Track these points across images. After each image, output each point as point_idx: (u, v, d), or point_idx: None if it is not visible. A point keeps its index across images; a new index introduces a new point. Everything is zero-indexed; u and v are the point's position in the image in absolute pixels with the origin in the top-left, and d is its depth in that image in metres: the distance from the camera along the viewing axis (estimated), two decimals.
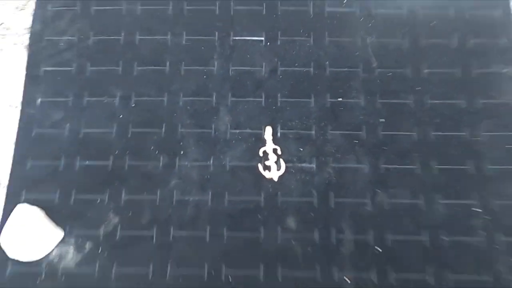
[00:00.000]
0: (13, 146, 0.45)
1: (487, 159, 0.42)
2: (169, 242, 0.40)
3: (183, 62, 0.46)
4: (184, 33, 0.47)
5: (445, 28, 0.47)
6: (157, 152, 0.43)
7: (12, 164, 0.44)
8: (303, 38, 0.47)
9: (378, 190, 0.41)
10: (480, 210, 0.40)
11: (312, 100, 0.44)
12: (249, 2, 0.48)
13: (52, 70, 0.46)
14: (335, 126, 0.44)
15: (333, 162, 0.42)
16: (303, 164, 0.43)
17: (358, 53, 0.46)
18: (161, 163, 0.43)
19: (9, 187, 0.43)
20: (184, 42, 0.47)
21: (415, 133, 0.43)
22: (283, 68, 0.45)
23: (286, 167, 0.43)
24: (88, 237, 0.41)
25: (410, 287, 0.39)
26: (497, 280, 0.39)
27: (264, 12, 0.47)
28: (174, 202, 0.42)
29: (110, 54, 0.47)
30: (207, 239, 0.40)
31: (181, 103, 0.45)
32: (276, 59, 0.46)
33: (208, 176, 0.42)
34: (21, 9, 0.54)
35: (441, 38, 0.46)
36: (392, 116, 0.44)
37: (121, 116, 0.44)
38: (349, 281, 0.39)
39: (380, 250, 0.39)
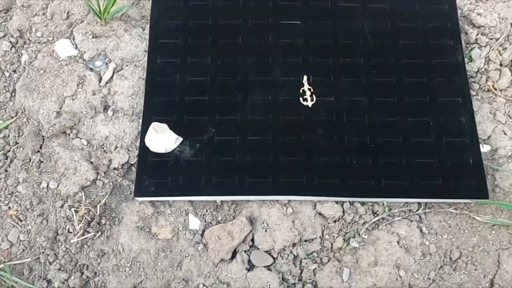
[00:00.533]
0: (143, 90, 0.72)
1: None
2: (246, 142, 0.66)
3: (250, 38, 0.73)
4: (250, 19, 0.74)
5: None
6: (236, 91, 0.70)
7: (144, 100, 0.70)
8: (324, 22, 0.74)
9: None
10: None
11: (331, 60, 0.72)
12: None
13: (166, 41, 0.72)
14: (345, 76, 0.71)
15: (344, 97, 0.69)
16: (326, 98, 0.69)
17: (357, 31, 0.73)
18: (239, 98, 0.69)
19: (143, 114, 0.69)
20: (249, 24, 0.74)
21: None
22: (313, 40, 0.73)
23: (316, 99, 0.69)
24: (196, 141, 0.67)
25: None
26: None
27: (299, 6, 0.75)
28: (248, 120, 0.68)
29: (203, 33, 0.73)
30: (270, 140, 0.67)
31: (249, 62, 0.71)
32: (308, 35, 0.73)
33: (269, 105, 0.69)
34: (137, 4, 0.80)
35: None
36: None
37: (212, 70, 0.71)
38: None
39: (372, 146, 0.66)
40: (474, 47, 0.76)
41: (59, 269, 0.62)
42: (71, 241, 0.63)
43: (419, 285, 0.62)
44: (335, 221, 0.65)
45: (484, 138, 0.71)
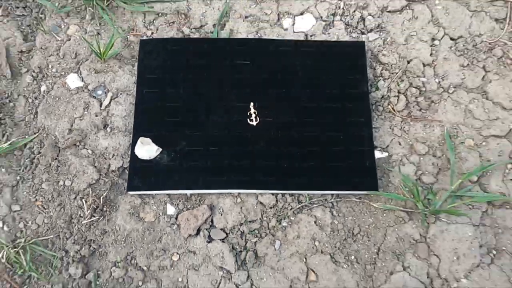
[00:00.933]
0: (133, 113, 0.97)
1: None
2: (208, 151, 0.91)
3: (212, 74, 0.98)
4: (212, 59, 0.99)
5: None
6: (201, 114, 0.94)
7: (134, 120, 0.95)
8: (267, 62, 0.99)
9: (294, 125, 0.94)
10: None
11: (271, 90, 0.97)
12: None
13: (150, 76, 0.97)
14: (282, 102, 0.96)
15: (280, 118, 0.95)
16: (267, 119, 0.95)
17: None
18: (203, 119, 0.94)
19: (133, 131, 0.94)
20: (212, 63, 0.99)
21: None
22: (258, 76, 0.98)
23: (259, 120, 0.95)
24: (172, 151, 0.92)
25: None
26: None
27: (249, 49, 1.00)
28: (210, 135, 0.93)
29: (177, 70, 0.98)
30: (225, 150, 0.92)
31: (211, 92, 0.95)
32: (255, 72, 0.99)
33: (225, 124, 0.94)
34: (128, 46, 1.05)
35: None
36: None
37: (184, 98, 0.96)
38: None
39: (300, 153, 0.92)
40: (380, 79, 1.02)
41: (73, 242, 0.88)
42: (82, 222, 0.89)
43: (328, 251, 0.88)
44: (271, 208, 0.91)
45: (384, 147, 0.97)
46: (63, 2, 1.06)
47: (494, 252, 0.89)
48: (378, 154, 0.95)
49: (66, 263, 0.87)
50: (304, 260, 0.88)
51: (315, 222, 0.90)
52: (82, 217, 0.89)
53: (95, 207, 0.89)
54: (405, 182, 0.92)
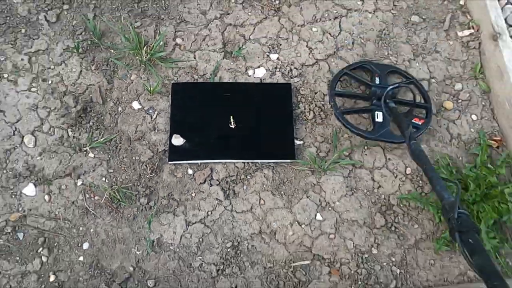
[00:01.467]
0: (169, 123, 1.83)
1: None
2: (210, 142, 1.79)
3: (212, 101, 1.86)
4: (211, 93, 1.87)
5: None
6: (206, 123, 1.83)
7: (170, 126, 1.82)
8: (239, 94, 1.88)
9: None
10: None
11: (242, 109, 1.86)
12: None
13: (177, 103, 1.84)
14: (247, 115, 1.84)
15: (246, 123, 1.83)
16: (239, 124, 1.83)
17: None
18: (208, 125, 1.82)
19: (170, 132, 1.80)
20: (212, 95, 1.87)
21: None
22: (234, 101, 1.86)
23: (235, 124, 1.83)
24: (191, 141, 1.79)
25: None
26: None
27: (229, 87, 1.89)
28: (211, 133, 1.80)
29: (194, 100, 1.86)
30: (218, 140, 1.79)
31: (212, 111, 1.84)
32: (233, 99, 1.87)
33: (219, 127, 1.82)
34: (164, 86, 1.92)
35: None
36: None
37: (196, 115, 1.84)
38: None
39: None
40: (300, 103, 1.92)
41: (142, 187, 1.73)
42: (146, 177, 1.75)
43: (270, 190, 1.75)
44: (242, 169, 1.78)
45: (301, 138, 1.86)
46: (128, 61, 1.94)
47: (354, 190, 1.78)
48: (297, 142, 1.84)
49: (138, 197, 1.72)
50: (258, 194, 1.75)
51: (264, 176, 1.78)
52: (146, 174, 1.76)
53: (152, 169, 1.76)
54: (310, 156, 1.81)
